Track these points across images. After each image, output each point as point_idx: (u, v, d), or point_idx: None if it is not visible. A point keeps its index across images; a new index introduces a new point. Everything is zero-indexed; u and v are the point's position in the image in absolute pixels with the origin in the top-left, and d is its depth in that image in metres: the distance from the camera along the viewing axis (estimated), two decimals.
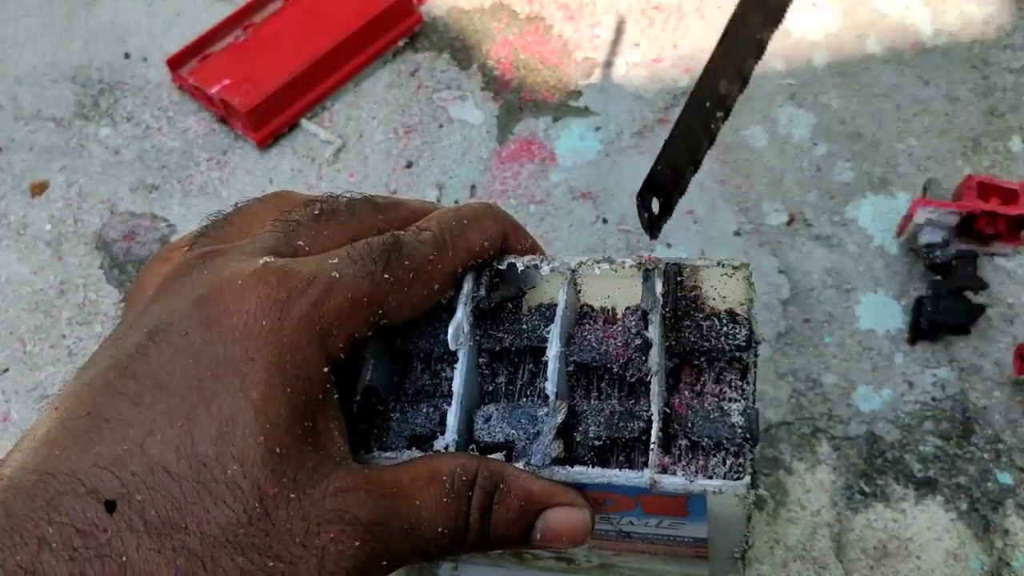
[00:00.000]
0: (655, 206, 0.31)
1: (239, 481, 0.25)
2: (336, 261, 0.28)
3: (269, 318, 0.26)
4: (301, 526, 0.25)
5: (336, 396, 0.28)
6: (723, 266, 0.33)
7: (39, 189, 0.69)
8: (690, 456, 0.30)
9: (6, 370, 0.61)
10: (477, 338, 0.33)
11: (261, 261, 0.28)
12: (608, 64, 0.69)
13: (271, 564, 0.25)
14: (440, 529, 0.28)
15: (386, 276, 0.29)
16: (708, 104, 0.30)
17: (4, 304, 0.64)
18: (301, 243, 0.30)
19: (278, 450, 0.25)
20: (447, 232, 0.31)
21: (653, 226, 0.32)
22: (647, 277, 0.32)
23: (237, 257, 0.28)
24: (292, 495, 0.25)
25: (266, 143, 0.68)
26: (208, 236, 0.31)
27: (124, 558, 0.23)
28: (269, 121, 0.68)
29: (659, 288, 0.32)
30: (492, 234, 0.33)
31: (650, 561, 0.39)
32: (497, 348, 0.33)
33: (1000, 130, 0.62)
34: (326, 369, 0.28)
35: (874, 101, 0.65)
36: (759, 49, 0.28)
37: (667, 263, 0.32)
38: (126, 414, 0.25)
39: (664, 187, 0.31)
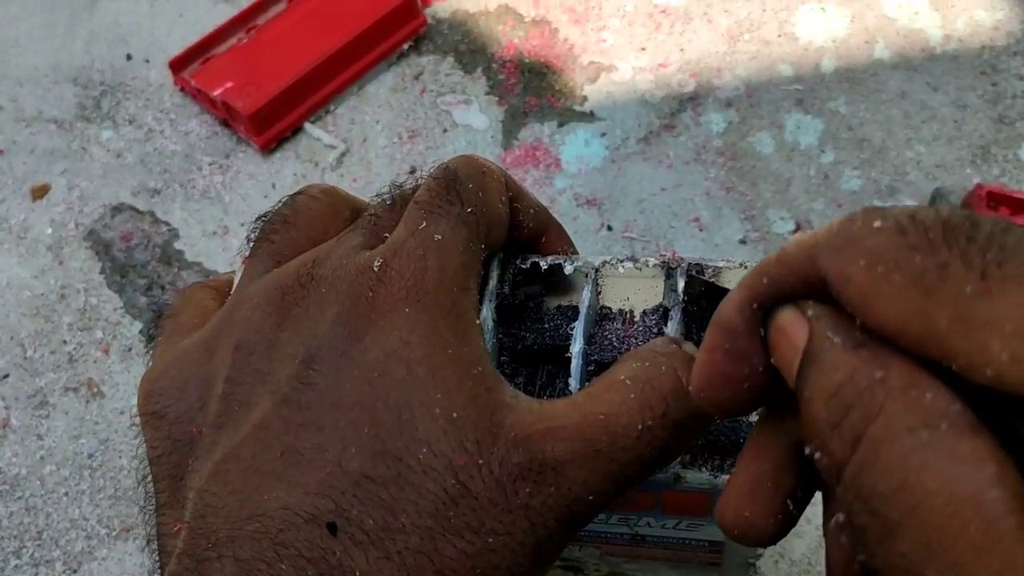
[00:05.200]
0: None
1: (431, 463, 0.24)
2: (425, 225, 0.28)
3: (409, 303, 0.26)
4: (498, 491, 0.25)
5: (484, 338, 0.28)
6: (745, 268, 0.32)
7: (40, 192, 0.68)
8: (707, 455, 0.30)
9: (6, 376, 0.61)
10: (500, 336, 0.32)
11: (376, 263, 0.27)
12: (614, 69, 0.69)
13: (490, 540, 0.24)
14: (639, 426, 0.26)
15: (469, 210, 0.29)
16: None
17: (4, 309, 0.63)
18: (386, 236, 0.30)
19: (455, 415, 0.25)
20: (481, 157, 0.31)
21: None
22: (669, 275, 0.32)
23: (341, 263, 0.28)
24: (480, 460, 0.25)
25: (269, 147, 0.68)
26: (274, 243, 0.31)
27: (357, 573, 0.23)
28: (272, 125, 0.68)
29: (681, 286, 0.31)
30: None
31: (659, 568, 0.39)
32: (519, 347, 0.33)
33: (1010, 138, 0.62)
34: (478, 321, 0.28)
35: (882, 108, 0.64)
36: None
37: (690, 262, 0.32)
38: (316, 441, 0.25)
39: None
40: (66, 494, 0.56)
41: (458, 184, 0.29)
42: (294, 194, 0.33)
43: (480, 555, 0.24)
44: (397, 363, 0.26)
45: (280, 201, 0.32)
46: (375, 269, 0.27)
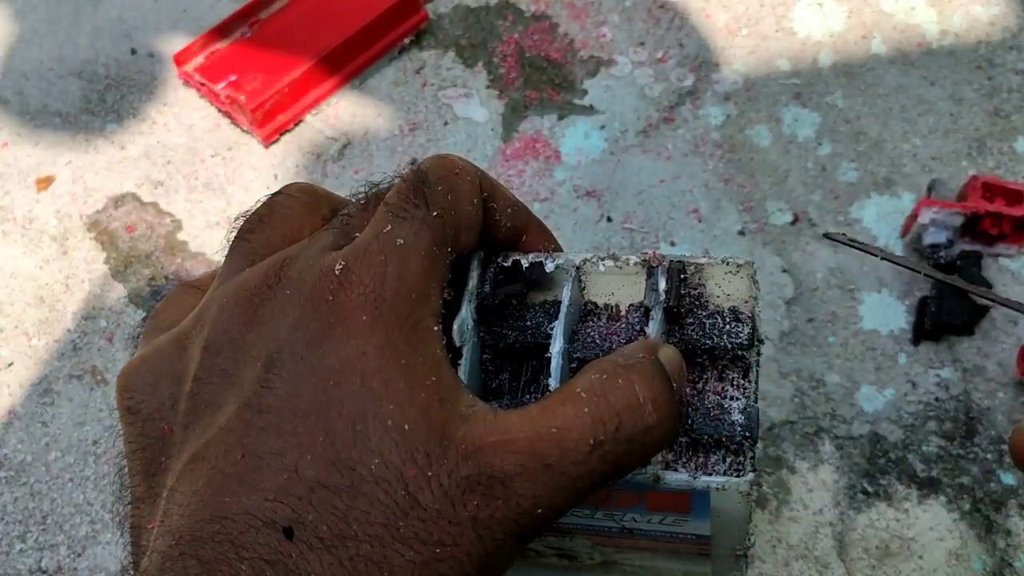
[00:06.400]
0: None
1: (383, 474, 0.25)
2: (389, 228, 0.28)
3: (367, 311, 0.27)
4: (447, 503, 0.25)
5: (445, 346, 0.28)
6: (727, 264, 0.33)
7: (45, 184, 0.69)
8: (691, 453, 0.31)
9: (11, 364, 0.61)
10: (481, 335, 0.33)
11: (337, 267, 0.28)
12: (613, 63, 0.69)
13: (438, 551, 0.25)
14: (591, 440, 0.25)
15: (435, 214, 0.29)
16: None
17: (10, 298, 0.64)
18: (357, 235, 0.30)
19: (406, 427, 0.25)
20: (455, 156, 0.31)
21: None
22: (651, 274, 0.32)
23: (307, 264, 0.28)
24: (430, 472, 0.25)
25: (271, 139, 0.69)
26: (249, 242, 0.31)
27: None
28: (274, 117, 0.68)
29: (662, 285, 0.32)
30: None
31: (652, 558, 0.40)
32: (501, 344, 0.33)
33: (1005, 131, 0.62)
34: (436, 328, 0.28)
35: (879, 101, 0.65)
36: None
37: (671, 260, 0.32)
38: (276, 446, 0.26)
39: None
40: (71, 480, 0.57)
41: (426, 186, 0.29)
42: (273, 193, 0.33)
43: (428, 565, 0.25)
44: (352, 373, 0.26)
45: (258, 200, 0.32)
46: (336, 273, 0.27)
